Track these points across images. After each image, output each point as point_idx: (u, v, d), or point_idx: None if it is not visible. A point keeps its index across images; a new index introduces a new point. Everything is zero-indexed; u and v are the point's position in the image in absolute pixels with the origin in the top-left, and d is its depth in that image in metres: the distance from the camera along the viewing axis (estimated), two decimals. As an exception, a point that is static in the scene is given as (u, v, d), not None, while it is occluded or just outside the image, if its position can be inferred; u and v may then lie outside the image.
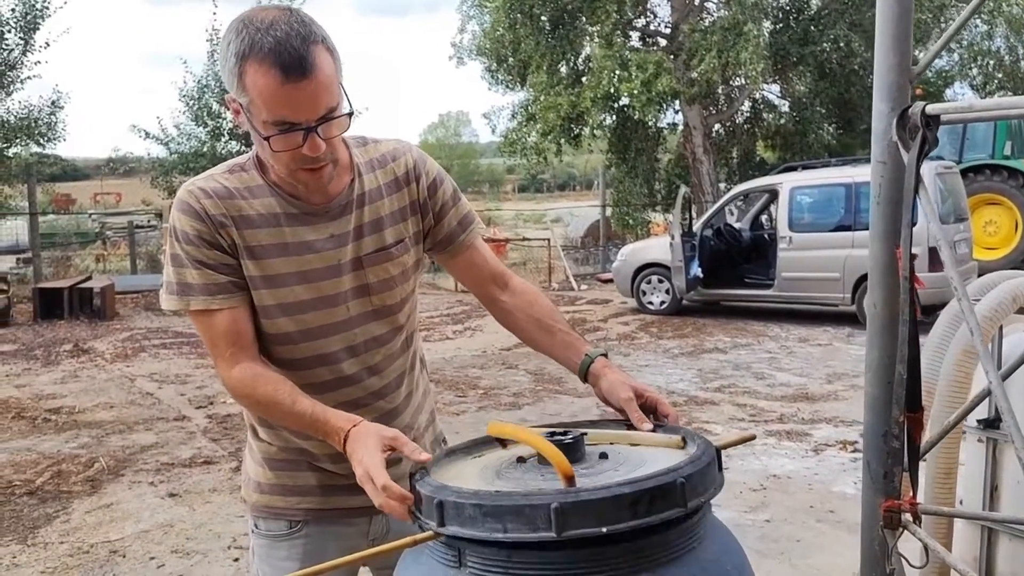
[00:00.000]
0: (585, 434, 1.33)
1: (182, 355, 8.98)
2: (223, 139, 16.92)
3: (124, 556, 3.98)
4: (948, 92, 23.09)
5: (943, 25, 20.01)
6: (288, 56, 1.35)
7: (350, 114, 1.48)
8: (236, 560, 3.90)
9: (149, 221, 18.50)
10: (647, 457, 1.29)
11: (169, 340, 9.84)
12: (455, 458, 1.44)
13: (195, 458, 5.43)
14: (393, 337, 1.67)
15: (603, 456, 1.29)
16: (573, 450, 1.26)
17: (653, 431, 1.38)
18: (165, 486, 4.93)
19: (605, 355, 1.63)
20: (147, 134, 16.88)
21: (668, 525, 1.14)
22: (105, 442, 5.82)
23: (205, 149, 16.70)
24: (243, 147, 16.87)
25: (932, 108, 1.20)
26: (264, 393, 1.50)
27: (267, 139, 1.42)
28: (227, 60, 1.40)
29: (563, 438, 1.25)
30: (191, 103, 16.79)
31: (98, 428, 6.18)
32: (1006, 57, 26.45)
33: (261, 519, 1.68)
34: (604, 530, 1.08)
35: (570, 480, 1.14)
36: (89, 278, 13.03)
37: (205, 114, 16.70)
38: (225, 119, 16.89)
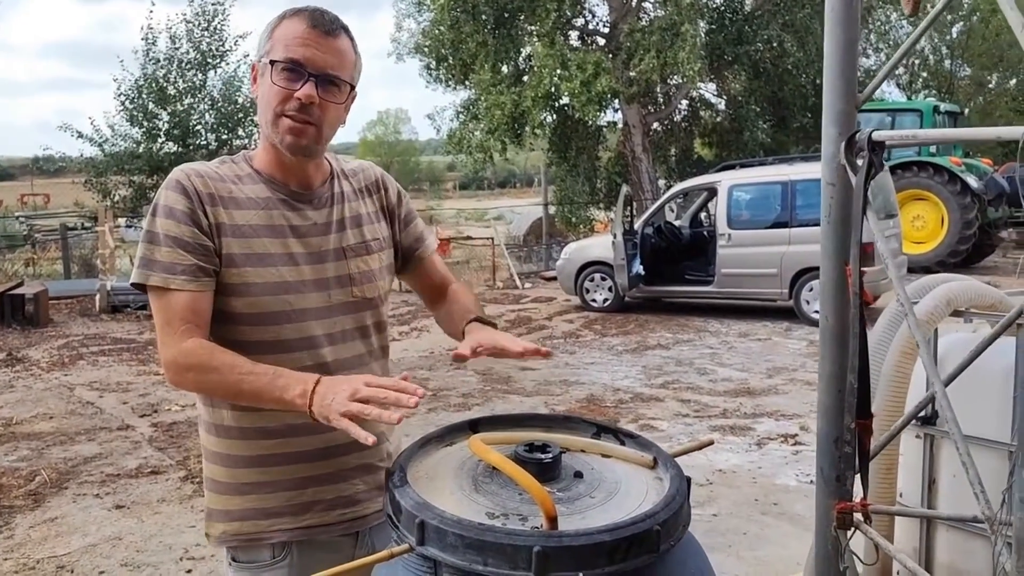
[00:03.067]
0: (563, 452, 1.37)
1: (122, 362, 8.79)
2: (159, 140, 16.55)
3: (72, 571, 3.91)
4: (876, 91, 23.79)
5: (871, 25, 20.62)
6: (320, 17, 1.55)
7: (351, 88, 1.60)
8: (189, 572, 3.86)
9: (83, 224, 17.98)
10: (620, 478, 1.34)
11: (108, 347, 9.61)
12: (429, 449, 1.48)
13: (141, 468, 5.34)
14: (371, 333, 1.72)
15: (578, 475, 1.34)
16: (551, 470, 1.30)
17: (623, 444, 1.44)
18: (111, 498, 4.84)
19: (493, 325, 1.71)
20: (80, 134, 16.42)
21: (640, 568, 1.19)
22: (46, 454, 5.68)
23: (141, 150, 16.31)
24: (180, 148, 16.53)
25: (878, 135, 1.28)
26: (221, 360, 1.48)
27: (271, 64, 1.54)
28: (264, 31, 1.59)
29: (542, 457, 1.30)
30: (126, 103, 16.37)
31: (38, 440, 6.02)
32: (930, 57, 27.40)
33: (240, 550, 1.64)
34: (581, 575, 1.13)
35: (553, 522, 1.17)
36: (20, 284, 12.62)
37: (141, 115, 16.30)
38: (161, 119, 16.52)
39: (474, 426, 1.54)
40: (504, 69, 17.75)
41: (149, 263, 1.53)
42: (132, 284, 1.58)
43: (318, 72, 1.53)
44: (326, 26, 1.54)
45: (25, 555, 4.09)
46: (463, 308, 1.78)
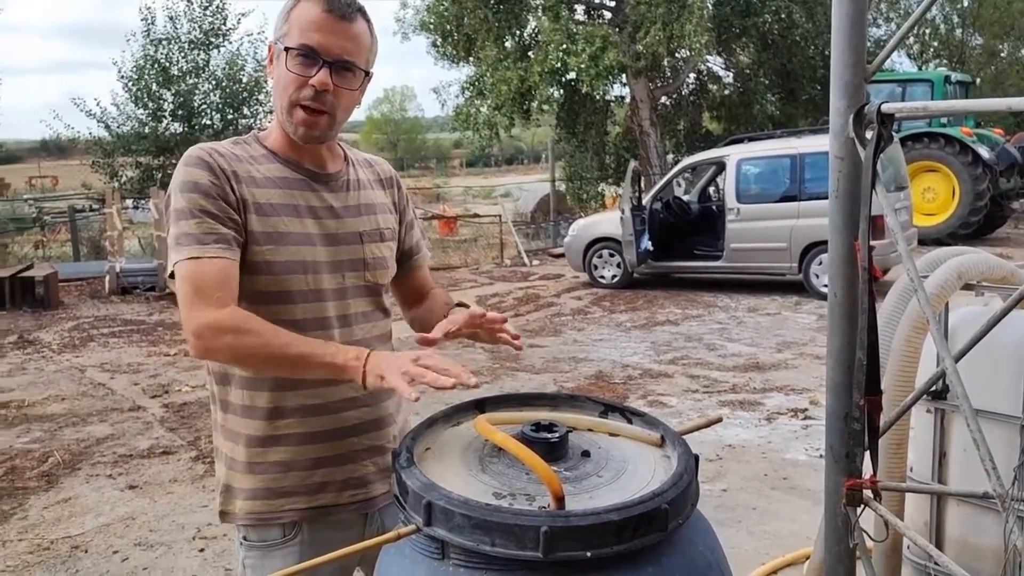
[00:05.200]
0: (570, 431, 1.37)
1: (132, 344, 8.83)
2: (165, 120, 16.52)
3: (86, 551, 3.95)
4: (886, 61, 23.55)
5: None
6: (338, 1, 1.53)
7: (366, 75, 1.60)
8: (201, 551, 3.89)
9: (91, 206, 18.00)
10: (628, 457, 1.33)
11: (118, 328, 9.66)
12: (436, 429, 1.48)
13: (153, 448, 5.38)
14: (382, 319, 1.74)
15: (585, 454, 1.33)
16: (558, 449, 1.30)
17: (630, 423, 1.43)
18: (124, 478, 4.88)
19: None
20: (89, 112, 16.40)
21: (648, 547, 1.19)
22: (59, 436, 5.72)
23: (147, 131, 16.29)
24: (185, 128, 16.50)
25: (887, 107, 1.26)
26: (263, 324, 1.46)
27: (286, 50, 1.52)
28: (285, 5, 1.56)
29: (549, 437, 1.29)
30: (128, 84, 16.34)
31: (50, 421, 6.07)
32: (941, 26, 27.06)
33: (251, 529, 1.64)
34: (589, 554, 1.12)
35: (560, 501, 1.17)
36: (31, 266, 12.67)
37: (146, 95, 16.27)
38: (166, 99, 16.48)
39: (480, 406, 1.53)
40: (509, 44, 17.62)
41: (183, 237, 1.49)
42: (170, 276, 1.53)
43: (333, 59, 1.53)
44: (342, 10, 1.52)
45: (39, 535, 4.13)
46: (444, 302, 1.83)
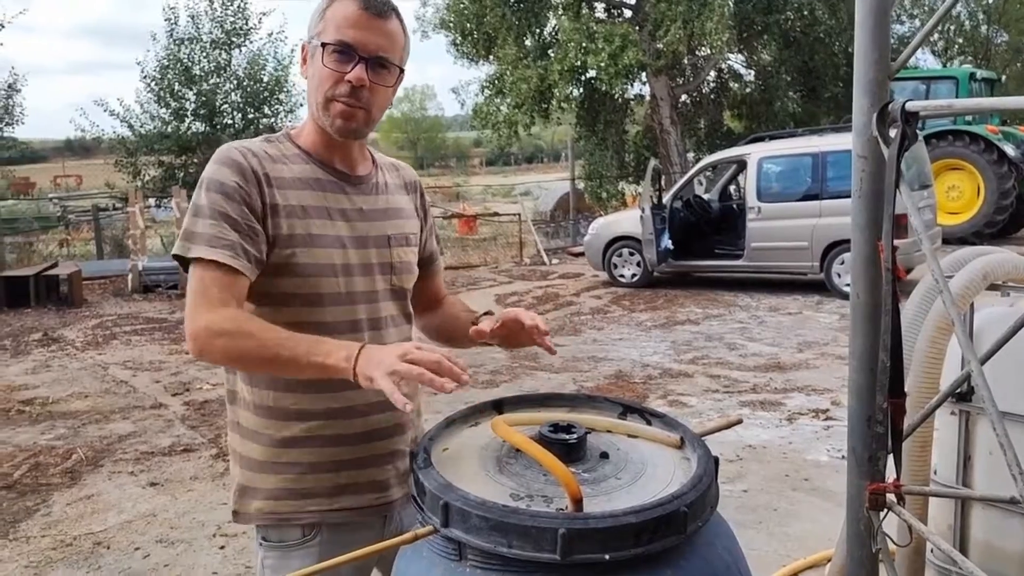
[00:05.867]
0: (589, 432, 1.36)
1: (154, 341, 8.90)
2: (187, 120, 16.66)
3: (108, 547, 3.98)
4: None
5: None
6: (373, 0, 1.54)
7: (401, 72, 1.61)
8: (222, 548, 3.91)
9: (114, 205, 18.18)
10: (647, 459, 1.32)
11: (140, 326, 9.74)
12: (453, 429, 1.47)
13: (174, 446, 5.42)
14: (403, 322, 1.74)
15: (604, 456, 1.32)
16: (576, 450, 1.29)
17: (649, 424, 1.42)
18: (145, 475, 4.91)
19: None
20: (112, 112, 16.58)
21: (667, 549, 1.17)
22: (82, 432, 5.78)
23: (169, 130, 16.44)
24: (207, 128, 16.62)
25: (912, 105, 1.24)
26: (258, 325, 1.46)
27: (323, 46, 1.53)
28: (320, 4, 1.58)
29: (567, 438, 1.28)
30: (151, 84, 16.48)
31: (73, 418, 6.13)
32: (966, 23, 26.75)
33: (271, 529, 1.64)
34: (607, 557, 1.11)
35: (578, 504, 1.16)
36: (55, 265, 12.82)
37: (168, 95, 16.41)
38: (188, 99, 16.61)
39: (498, 406, 1.53)
40: (528, 43, 17.60)
41: (191, 235, 1.50)
42: (173, 255, 1.55)
43: (369, 55, 1.53)
44: (378, 8, 1.54)
45: (63, 532, 4.16)
46: (467, 312, 1.86)
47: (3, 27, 15.27)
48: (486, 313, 1.76)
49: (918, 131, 1.26)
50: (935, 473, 2.31)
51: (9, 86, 15.94)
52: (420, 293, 1.88)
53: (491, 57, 18.36)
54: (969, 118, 13.89)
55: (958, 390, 2.19)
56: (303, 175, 1.60)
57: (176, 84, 16.42)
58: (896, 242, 1.28)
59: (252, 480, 1.64)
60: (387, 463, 1.66)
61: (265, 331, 1.44)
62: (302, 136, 1.66)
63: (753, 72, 20.01)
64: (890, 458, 1.38)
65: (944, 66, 24.29)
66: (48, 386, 7.12)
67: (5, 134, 17.13)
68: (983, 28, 27.43)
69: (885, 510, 1.35)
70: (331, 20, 1.54)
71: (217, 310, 1.45)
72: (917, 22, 24.35)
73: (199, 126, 16.71)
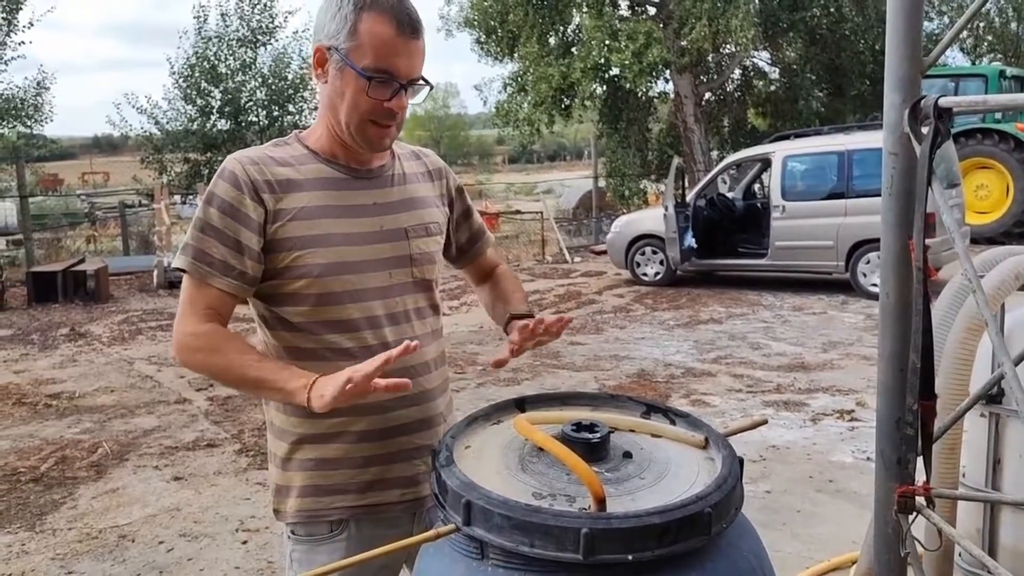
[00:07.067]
0: (612, 432, 1.34)
1: (179, 337, 8.97)
2: (212, 117, 16.78)
3: (133, 541, 4.02)
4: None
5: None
6: (405, 16, 1.52)
7: (430, 88, 1.62)
8: (244, 543, 3.94)
9: (140, 202, 18.37)
10: (671, 459, 1.31)
11: (165, 322, 9.82)
12: (476, 427, 1.47)
13: (198, 441, 5.46)
14: (431, 314, 1.73)
15: (627, 455, 1.31)
16: (599, 449, 1.27)
17: (673, 424, 1.40)
18: (170, 470, 4.96)
19: (530, 315, 1.74)
20: (140, 109, 16.76)
21: (691, 551, 1.16)
22: (108, 427, 5.84)
23: (195, 127, 16.58)
24: (232, 125, 16.74)
25: (945, 101, 1.21)
26: (233, 345, 1.51)
27: (368, 79, 1.51)
28: (341, 8, 1.52)
29: (590, 437, 1.27)
30: (179, 81, 16.63)
31: (100, 413, 6.20)
32: (996, 20, 26.38)
33: (300, 524, 1.66)
34: (630, 557, 1.10)
35: (601, 503, 1.15)
36: (82, 260, 12.96)
37: (195, 93, 16.55)
38: (214, 97, 16.74)
39: (521, 404, 1.52)
40: (552, 41, 17.55)
41: (184, 246, 1.57)
42: (173, 268, 1.62)
43: (408, 80, 1.55)
44: (412, 27, 1.53)
45: (88, 525, 4.21)
46: (504, 298, 1.85)
47: (32, 25, 15.42)
48: (520, 316, 1.74)
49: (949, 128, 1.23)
50: (963, 476, 2.28)
51: (38, 84, 16.08)
52: (473, 270, 1.96)
53: (515, 55, 18.33)
54: (998, 116, 13.69)
55: (989, 392, 2.15)
56: (311, 174, 1.61)
57: (203, 81, 16.55)
58: (927, 243, 1.26)
59: (285, 478, 1.66)
60: (415, 458, 1.67)
61: (237, 352, 1.50)
62: (311, 137, 1.66)
63: (778, 70, 19.82)
64: (918, 461, 1.36)
65: (973, 63, 23.97)
66: (75, 380, 7.21)
67: (35, 132, 17.30)
68: (1013, 25, 27.02)
69: (914, 513, 1.32)
70: (368, 42, 1.50)
71: (200, 324, 1.53)
72: (946, 19, 24.05)
73: (224, 123, 16.83)
